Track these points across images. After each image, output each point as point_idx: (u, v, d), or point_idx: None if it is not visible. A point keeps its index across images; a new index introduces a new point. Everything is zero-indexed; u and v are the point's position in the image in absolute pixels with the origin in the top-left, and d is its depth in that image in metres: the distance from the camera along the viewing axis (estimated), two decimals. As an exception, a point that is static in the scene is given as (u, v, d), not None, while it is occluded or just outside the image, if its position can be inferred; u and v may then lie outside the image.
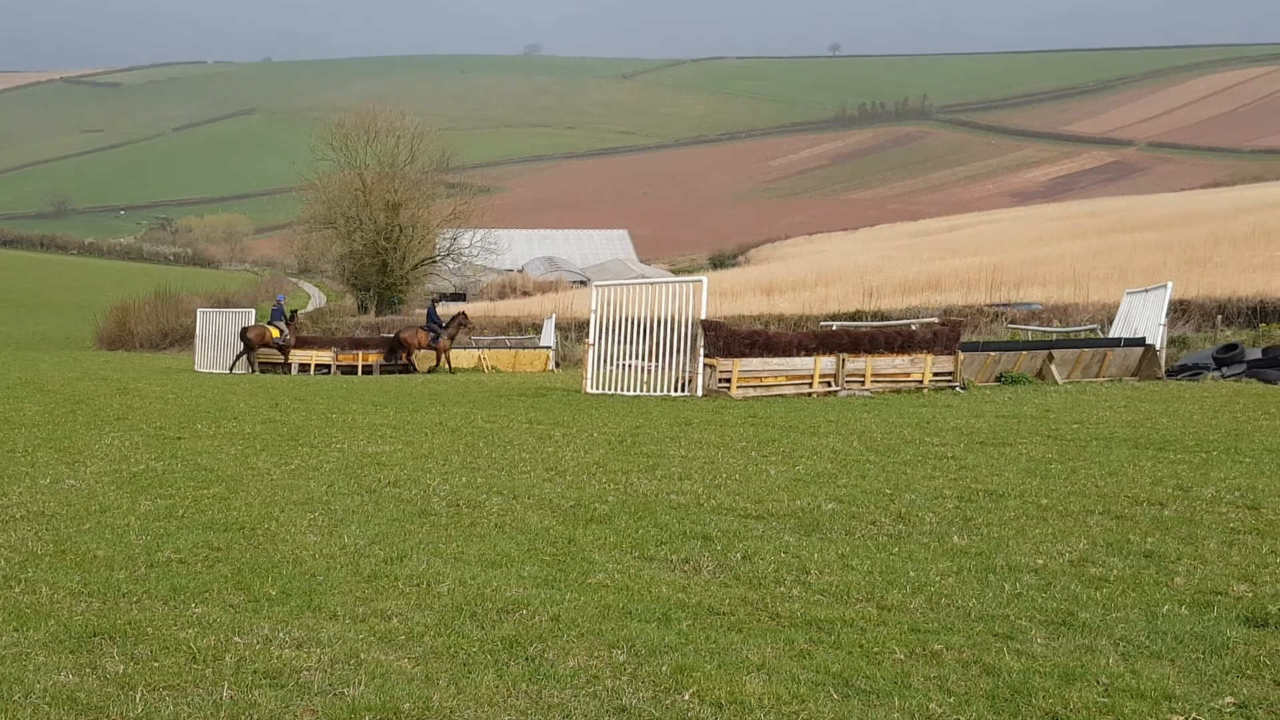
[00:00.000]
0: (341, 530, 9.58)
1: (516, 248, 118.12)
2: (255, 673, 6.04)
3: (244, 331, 40.89)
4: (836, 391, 24.10)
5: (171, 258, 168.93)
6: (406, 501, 10.98)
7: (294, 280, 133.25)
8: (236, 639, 6.59)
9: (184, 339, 62.42)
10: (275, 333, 40.57)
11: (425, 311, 47.64)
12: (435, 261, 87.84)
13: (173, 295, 75.53)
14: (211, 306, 56.02)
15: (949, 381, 25.42)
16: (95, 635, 6.68)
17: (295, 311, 43.91)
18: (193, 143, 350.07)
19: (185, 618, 7.04)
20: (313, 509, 10.59)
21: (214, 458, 14.19)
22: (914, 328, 27.76)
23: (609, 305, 26.39)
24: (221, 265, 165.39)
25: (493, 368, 43.39)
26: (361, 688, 5.82)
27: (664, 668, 6.09)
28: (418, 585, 7.78)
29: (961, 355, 26.00)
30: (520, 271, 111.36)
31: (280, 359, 41.11)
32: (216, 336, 43.59)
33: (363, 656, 6.30)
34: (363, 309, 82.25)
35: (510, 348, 50.10)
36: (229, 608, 7.28)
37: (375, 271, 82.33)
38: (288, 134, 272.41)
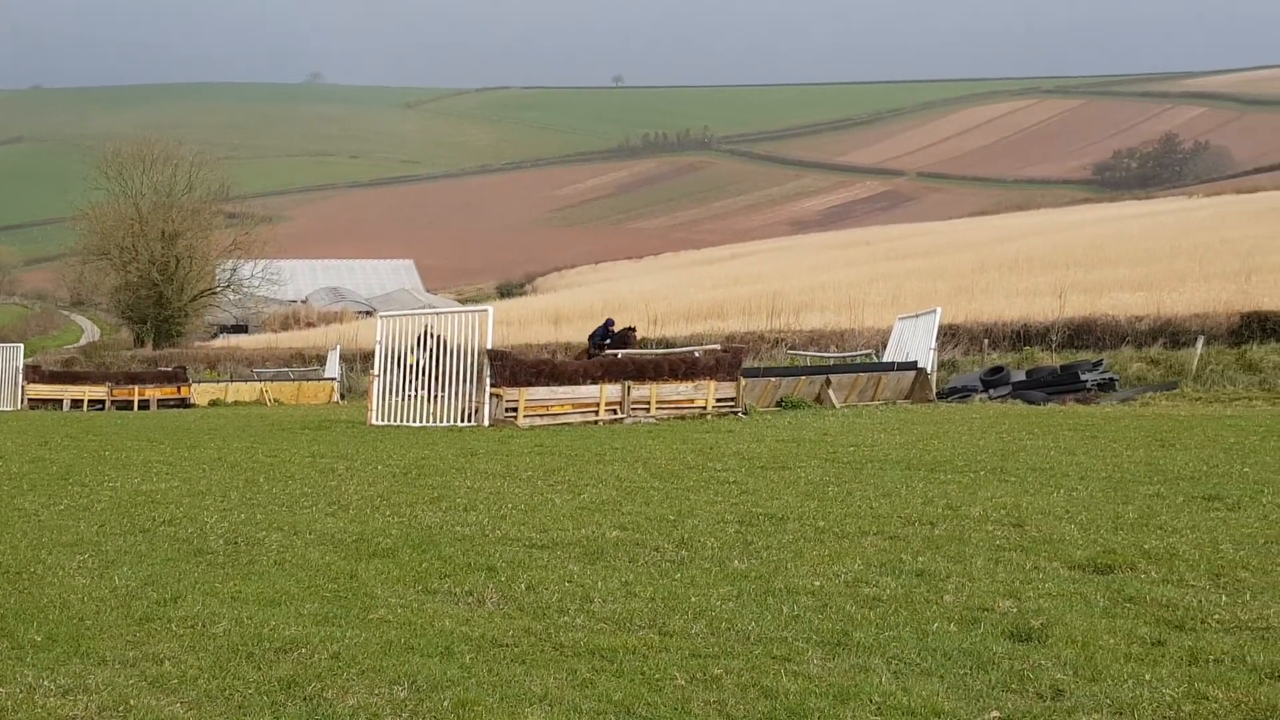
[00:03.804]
0: (112, 572, 9.28)
1: (300, 278, 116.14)
2: (18, 724, 5.81)
3: None
4: (622, 419, 24.29)
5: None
6: (182, 540, 10.68)
7: (66, 313, 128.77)
8: (-2, 689, 6.32)
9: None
10: None
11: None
12: (215, 293, 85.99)
13: (-67, 330, 72.22)
14: (-24, 342, 53.72)
15: (731, 407, 25.85)
16: None
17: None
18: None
19: (-58, 669, 6.72)
20: (82, 550, 10.23)
21: (-24, 500, 13.59)
22: (697, 355, 28.17)
23: (394, 336, 26.16)
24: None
25: (275, 401, 42.56)
26: (132, 735, 5.64)
27: (446, 703, 6.05)
28: (192, 627, 7.57)
29: (743, 381, 26.47)
30: (304, 302, 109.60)
31: None
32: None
33: (132, 703, 6.10)
34: (139, 342, 79.99)
35: (293, 380, 49.27)
36: (-10, 657, 6.98)
37: (152, 304, 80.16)
38: (59, 163, 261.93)
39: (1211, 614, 7.45)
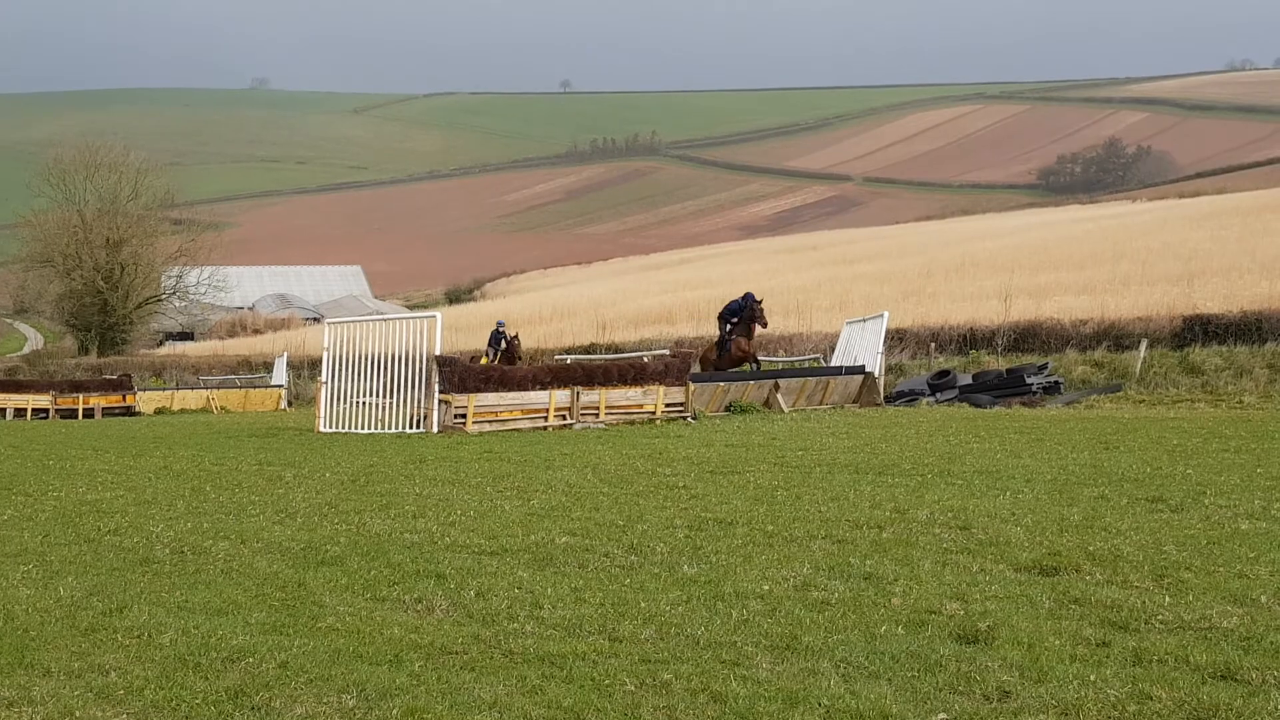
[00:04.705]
0: (57, 582, 9.19)
1: (247, 285, 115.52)
2: (-40, 738, 5.75)
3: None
4: (571, 424, 24.28)
5: None
6: (128, 550, 10.58)
7: (9, 321, 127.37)
8: (-60, 703, 6.25)
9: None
10: (485, 360, 36.60)
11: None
12: (160, 300, 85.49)
13: None
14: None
15: (680, 412, 25.88)
16: None
17: (515, 335, 39.10)
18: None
19: (-117, 683, 6.64)
20: (26, 561, 10.13)
21: (-83, 511, 13.41)
22: (646, 360, 28.19)
23: (342, 342, 26.02)
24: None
25: (222, 408, 42.31)
26: (77, 747, 5.59)
27: (395, 711, 6.03)
28: (138, 637, 7.51)
29: (692, 386, 26.50)
30: (251, 309, 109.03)
31: None
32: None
33: (78, 714, 6.06)
34: (84, 350, 79.36)
35: (240, 387, 48.99)
36: (-68, 670, 6.90)
37: (96, 311, 79.61)
38: (0, 169, 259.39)
39: (1155, 615, 7.54)
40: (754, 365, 30.72)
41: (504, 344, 37.57)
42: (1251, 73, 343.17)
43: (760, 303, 30.62)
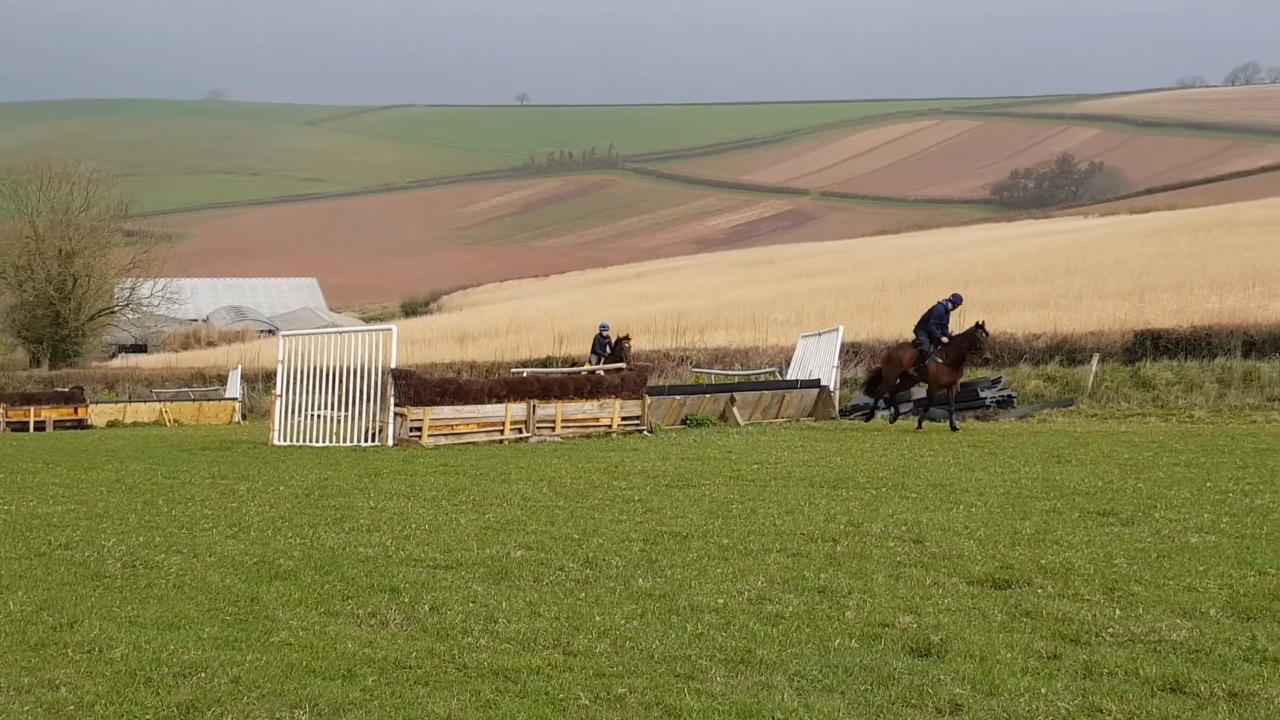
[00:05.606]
0: (7, 597, 9.09)
1: (201, 297, 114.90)
2: (-93, 755, 5.68)
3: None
4: (528, 438, 24.25)
5: None
6: (79, 564, 10.49)
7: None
8: (-114, 720, 6.18)
9: None
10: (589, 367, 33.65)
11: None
12: (113, 312, 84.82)
13: None
14: None
15: (637, 425, 25.90)
16: None
17: (625, 336, 35.57)
18: None
19: None
20: (-25, 576, 10.02)
21: None
22: (602, 373, 28.19)
23: (297, 355, 25.90)
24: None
25: (175, 421, 42.02)
26: (26, 764, 5.54)
27: (348, 726, 6.01)
28: (89, 652, 7.45)
29: (648, 399, 26.54)
30: (205, 321, 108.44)
31: None
32: None
33: (27, 731, 6.00)
34: (35, 362, 78.62)
35: (194, 400, 48.69)
36: (-122, 686, 6.82)
37: (48, 323, 78.98)
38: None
39: (1106, 628, 7.60)
40: (945, 393, 25.72)
41: (608, 348, 35.17)
42: (1201, 90, 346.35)
43: (984, 328, 25.22)
